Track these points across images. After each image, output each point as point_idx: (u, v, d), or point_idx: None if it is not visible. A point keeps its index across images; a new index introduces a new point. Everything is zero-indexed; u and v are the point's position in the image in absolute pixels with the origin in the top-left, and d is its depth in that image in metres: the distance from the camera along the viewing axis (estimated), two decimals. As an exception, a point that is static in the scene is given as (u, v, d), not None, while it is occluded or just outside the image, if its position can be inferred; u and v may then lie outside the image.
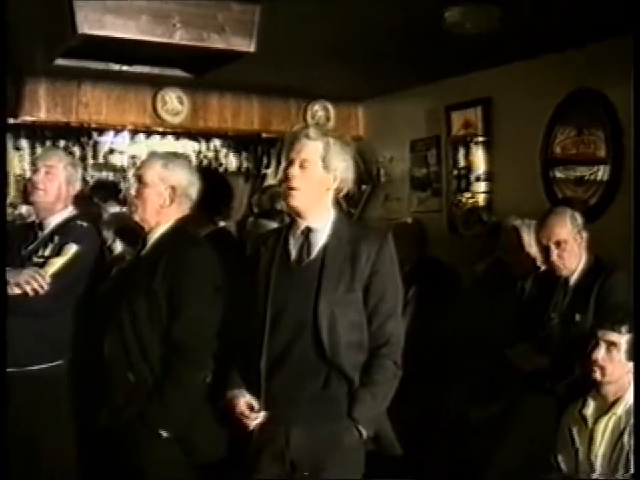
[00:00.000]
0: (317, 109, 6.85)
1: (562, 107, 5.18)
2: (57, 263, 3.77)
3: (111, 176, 6.88)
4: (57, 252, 3.81)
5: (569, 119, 5.16)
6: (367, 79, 6.02)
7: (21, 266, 3.79)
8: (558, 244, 4.00)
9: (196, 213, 3.77)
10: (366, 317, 3.03)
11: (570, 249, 4.00)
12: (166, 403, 3.23)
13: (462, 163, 5.99)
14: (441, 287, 5.09)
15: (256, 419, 3.03)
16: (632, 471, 3.16)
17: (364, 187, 6.76)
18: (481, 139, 5.82)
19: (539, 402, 3.90)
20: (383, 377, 3.01)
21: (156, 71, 4.27)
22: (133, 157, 6.55)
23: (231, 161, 7.15)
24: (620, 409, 3.32)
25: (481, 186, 5.84)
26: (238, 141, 7.06)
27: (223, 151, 7.09)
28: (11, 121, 5.92)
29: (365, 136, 6.96)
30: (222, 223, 4.34)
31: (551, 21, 4.35)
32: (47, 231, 3.93)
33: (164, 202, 3.44)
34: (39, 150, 6.34)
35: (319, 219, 3.07)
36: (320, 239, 3.05)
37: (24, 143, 6.47)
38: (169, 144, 6.68)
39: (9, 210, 6.24)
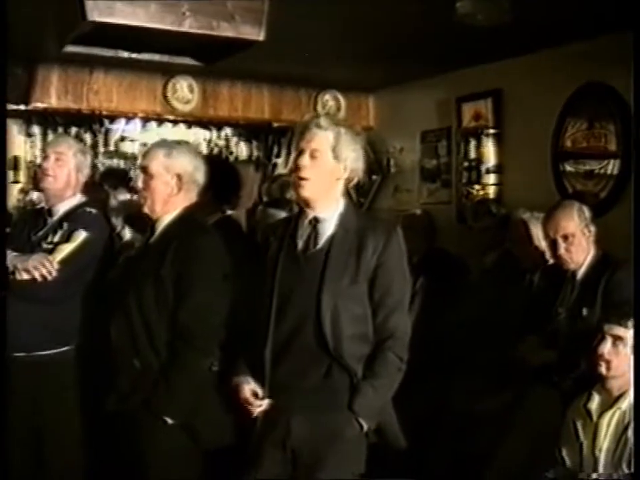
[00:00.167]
0: (328, 99, 6.83)
1: (573, 100, 5.16)
2: (66, 250, 3.79)
3: (121, 163, 6.92)
4: (66, 238, 3.83)
5: (579, 111, 5.14)
6: (378, 70, 6.01)
7: (30, 252, 3.82)
8: (565, 237, 3.98)
9: (204, 200, 3.79)
10: (371, 310, 3.03)
11: (577, 242, 3.98)
12: (171, 390, 3.25)
13: (472, 154, 5.97)
14: (449, 279, 5.09)
15: (260, 406, 3.05)
16: (632, 468, 3.16)
17: (374, 177, 6.75)
18: (491, 131, 5.80)
19: (544, 395, 3.90)
20: (385, 370, 3.01)
21: (165, 59, 4.27)
22: (144, 145, 6.53)
23: (242, 150, 7.18)
24: (625, 404, 3.32)
25: (491, 178, 5.83)
26: (249, 130, 7.08)
27: (234, 140, 7.11)
28: (22, 107, 5.94)
29: (375, 126, 6.93)
30: (229, 212, 4.34)
31: (562, 13, 4.33)
32: (56, 217, 3.95)
33: (172, 191, 3.45)
34: (50, 136, 6.38)
35: (328, 209, 3.07)
36: (327, 229, 3.06)
37: (36, 130, 6.50)
38: (180, 132, 6.70)
39: (20, 196, 6.29)
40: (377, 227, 3.10)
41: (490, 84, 5.75)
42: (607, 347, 3.36)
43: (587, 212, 4.08)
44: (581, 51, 4.96)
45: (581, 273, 4.03)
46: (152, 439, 3.30)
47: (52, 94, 5.99)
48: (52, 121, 6.46)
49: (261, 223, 5.09)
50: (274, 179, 6.76)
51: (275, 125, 6.78)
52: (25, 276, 3.70)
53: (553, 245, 4.06)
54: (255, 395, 3.06)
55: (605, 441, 3.32)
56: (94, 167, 4.80)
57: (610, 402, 3.37)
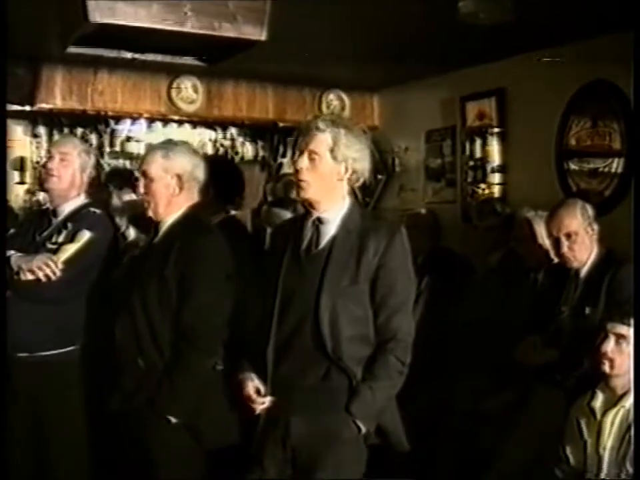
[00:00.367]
0: (332, 99, 6.83)
1: (577, 99, 5.15)
2: (70, 250, 3.79)
3: (127, 164, 6.92)
4: (70, 239, 3.83)
5: (583, 110, 5.13)
6: (382, 69, 6.01)
7: (35, 252, 3.83)
8: (568, 236, 3.98)
9: (208, 200, 3.79)
10: (373, 311, 3.01)
11: (580, 241, 3.98)
12: (175, 389, 3.25)
13: (476, 153, 5.97)
14: (454, 278, 5.09)
15: (262, 403, 3.05)
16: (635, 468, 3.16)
17: (379, 176, 6.75)
18: (495, 130, 5.80)
19: (548, 394, 3.90)
20: (385, 373, 2.98)
21: (168, 59, 4.28)
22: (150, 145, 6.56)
23: (248, 150, 7.17)
24: (628, 402, 3.32)
25: (495, 177, 5.82)
26: (254, 130, 7.07)
27: (240, 140, 7.11)
28: (27, 108, 5.96)
29: (380, 126, 6.93)
30: (233, 212, 4.35)
31: (565, 12, 4.32)
32: (60, 217, 3.95)
33: (173, 191, 3.46)
34: (56, 137, 6.37)
35: (332, 209, 3.07)
36: (330, 230, 3.05)
37: (41, 130, 6.50)
38: (186, 132, 6.70)
39: (27, 197, 6.30)
40: (380, 227, 3.07)
41: (494, 83, 5.75)
42: (610, 346, 3.35)
43: (590, 210, 4.08)
44: (584, 50, 4.95)
45: (584, 272, 4.02)
46: (156, 438, 3.31)
47: (56, 95, 6.01)
48: (57, 121, 6.45)
49: (264, 223, 5.10)
50: (278, 178, 6.77)
51: (280, 124, 6.78)
52: (30, 276, 3.71)
53: (556, 243, 4.05)
54: (258, 392, 3.06)
55: (609, 440, 3.32)
56: (100, 167, 4.80)
57: (614, 400, 3.37)
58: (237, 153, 7.10)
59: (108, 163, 6.77)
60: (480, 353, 4.47)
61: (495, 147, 5.82)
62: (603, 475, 3.29)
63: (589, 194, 4.98)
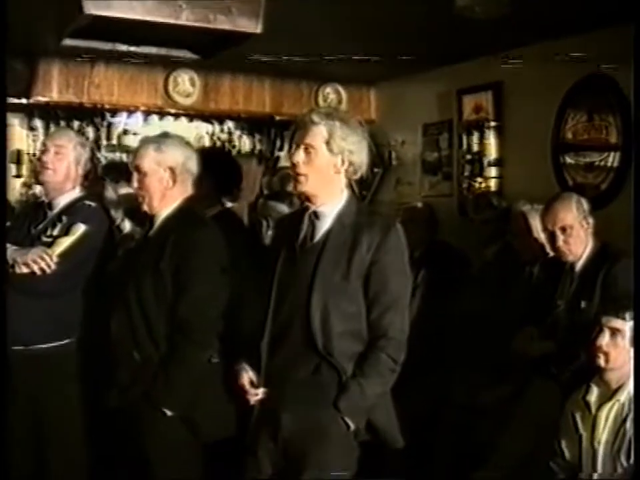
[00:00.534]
0: (329, 92, 6.82)
1: (573, 92, 5.15)
2: (65, 243, 3.79)
3: (124, 157, 6.90)
4: (65, 232, 3.83)
5: (580, 104, 5.13)
6: (379, 62, 5.98)
7: (30, 245, 3.83)
8: (563, 229, 3.98)
9: (204, 193, 3.79)
10: (366, 307, 2.98)
11: (576, 234, 3.98)
12: (170, 382, 3.26)
13: (473, 147, 5.97)
14: (451, 271, 5.09)
15: (256, 395, 3.06)
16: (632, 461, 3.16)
17: (376, 170, 6.75)
18: (492, 123, 5.80)
19: (544, 387, 3.90)
20: (374, 370, 2.94)
21: (164, 52, 4.27)
22: (147, 138, 6.54)
23: (245, 143, 7.15)
24: (623, 396, 3.32)
25: (492, 171, 5.83)
26: (251, 123, 7.05)
27: (237, 133, 7.09)
28: (24, 101, 5.94)
29: (376, 119, 6.92)
30: (230, 204, 4.34)
31: (562, 6, 4.32)
32: (55, 210, 3.95)
33: (167, 184, 3.46)
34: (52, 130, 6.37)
35: (329, 203, 3.05)
36: (325, 224, 3.04)
37: (38, 123, 6.48)
38: (182, 125, 6.68)
39: (23, 190, 6.29)
40: (374, 223, 3.03)
41: (490, 76, 5.74)
42: (605, 340, 3.35)
43: (585, 204, 4.08)
44: (580, 43, 4.93)
45: (579, 265, 4.03)
46: (152, 431, 3.32)
47: (53, 87, 6.00)
48: (54, 114, 6.44)
49: (260, 216, 5.11)
50: (275, 172, 6.77)
51: (277, 118, 6.77)
52: (24, 269, 3.71)
53: (552, 237, 4.06)
54: (252, 383, 3.07)
55: (603, 433, 3.32)
56: (97, 159, 4.78)
57: (609, 394, 3.37)
58: (234, 147, 7.07)
59: (105, 156, 6.74)
60: (476, 347, 4.48)
61: (491, 141, 5.82)
62: (598, 469, 3.29)
63: (585, 188, 4.99)
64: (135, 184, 3.51)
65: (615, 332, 3.35)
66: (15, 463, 3.71)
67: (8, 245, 3.77)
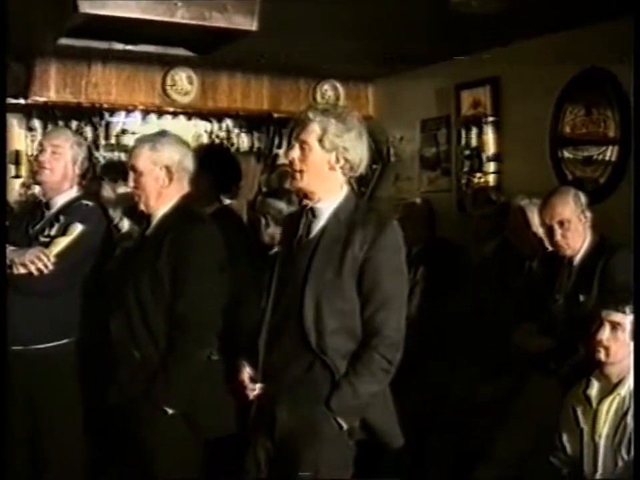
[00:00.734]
0: (327, 89, 6.81)
1: (571, 87, 5.14)
2: (62, 243, 3.79)
3: (122, 156, 6.89)
4: (63, 231, 3.83)
5: (578, 98, 5.12)
6: (377, 59, 5.99)
7: (28, 245, 3.83)
8: (561, 224, 3.97)
9: (202, 190, 3.79)
10: (360, 305, 2.94)
11: (574, 228, 3.97)
12: (170, 380, 3.26)
13: (471, 142, 5.96)
14: (450, 267, 5.09)
15: (253, 390, 3.06)
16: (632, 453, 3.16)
17: (374, 166, 6.74)
18: (490, 118, 5.79)
19: (543, 382, 3.90)
20: (367, 370, 2.90)
21: (160, 50, 4.27)
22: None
23: (243, 141, 7.15)
24: (624, 390, 3.31)
25: (490, 166, 5.82)
26: (249, 121, 7.05)
27: (235, 131, 7.09)
28: (22, 101, 5.94)
29: (374, 115, 6.91)
30: (228, 201, 4.34)
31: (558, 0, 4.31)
32: (53, 210, 3.95)
33: (163, 183, 3.46)
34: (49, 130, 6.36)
35: (327, 199, 3.04)
36: (321, 220, 3.02)
37: (36, 124, 6.48)
38: (181, 124, 6.67)
39: (22, 190, 6.29)
40: (369, 220, 2.98)
41: (488, 71, 5.73)
42: (605, 333, 3.34)
43: (582, 198, 4.07)
44: (578, 37, 4.93)
45: (577, 259, 4.02)
46: (152, 429, 3.32)
47: (51, 87, 5.99)
48: (52, 114, 6.43)
49: (259, 213, 5.09)
50: (273, 169, 6.77)
51: (276, 115, 6.77)
52: (22, 270, 3.71)
53: (550, 231, 4.05)
54: (252, 379, 3.07)
55: (604, 427, 3.31)
56: (95, 159, 4.78)
57: (609, 388, 3.36)
58: (232, 144, 7.07)
59: (103, 155, 6.75)
60: (475, 342, 4.48)
61: (489, 136, 5.82)
62: (599, 463, 3.28)
63: (584, 182, 4.99)
64: (131, 183, 3.51)
65: (615, 326, 3.33)
66: (14, 462, 3.71)
67: (6, 245, 3.77)
